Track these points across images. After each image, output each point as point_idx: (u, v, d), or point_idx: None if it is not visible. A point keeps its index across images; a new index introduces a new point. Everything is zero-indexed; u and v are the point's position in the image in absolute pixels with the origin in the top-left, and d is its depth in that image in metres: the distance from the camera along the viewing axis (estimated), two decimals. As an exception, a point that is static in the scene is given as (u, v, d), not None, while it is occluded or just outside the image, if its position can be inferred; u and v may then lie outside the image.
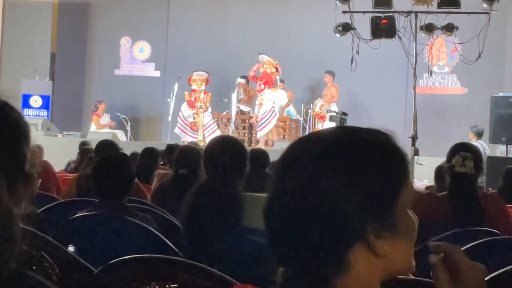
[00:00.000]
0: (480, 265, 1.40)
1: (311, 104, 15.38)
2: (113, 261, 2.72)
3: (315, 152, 1.34)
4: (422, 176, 10.92)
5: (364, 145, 1.35)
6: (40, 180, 5.90)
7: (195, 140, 14.04)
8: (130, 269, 2.71)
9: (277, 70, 15.17)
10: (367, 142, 1.36)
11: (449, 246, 1.40)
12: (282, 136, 15.29)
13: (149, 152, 7.42)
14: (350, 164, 1.32)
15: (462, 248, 1.44)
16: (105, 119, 16.23)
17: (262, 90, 15.11)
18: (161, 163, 7.79)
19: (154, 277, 2.65)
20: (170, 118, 15.64)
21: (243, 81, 15.75)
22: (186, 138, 14.90)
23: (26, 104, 16.32)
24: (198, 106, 15.33)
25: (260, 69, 15.27)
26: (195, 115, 15.41)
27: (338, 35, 12.21)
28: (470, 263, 1.39)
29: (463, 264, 1.38)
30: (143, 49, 17.82)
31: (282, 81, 15.60)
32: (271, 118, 14.91)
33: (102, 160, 4.14)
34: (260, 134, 15.03)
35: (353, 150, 1.34)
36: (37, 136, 12.55)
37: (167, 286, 2.60)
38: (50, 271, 2.68)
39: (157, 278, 2.63)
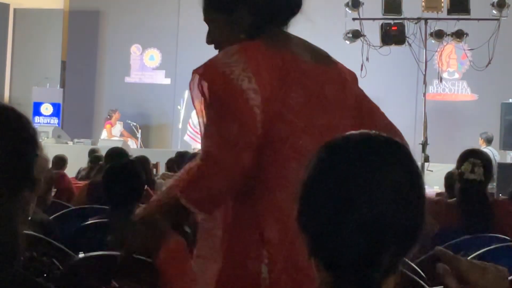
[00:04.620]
0: (488, 267, 1.39)
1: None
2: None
3: (374, 158, 1.34)
4: (433, 183, 10.89)
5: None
6: (55, 190, 5.92)
7: (205, 147, 14.02)
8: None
9: None
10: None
11: (444, 253, 1.39)
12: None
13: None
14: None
15: (473, 255, 1.43)
16: (118, 128, 16.26)
17: None
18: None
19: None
20: (180, 126, 15.63)
21: None
22: (196, 146, 14.88)
23: (37, 112, 16.37)
24: (208, 114, 15.30)
25: None
26: (205, 122, 15.39)
27: (348, 42, 12.21)
28: (469, 265, 1.38)
29: (461, 266, 1.37)
30: (153, 56, 17.84)
31: None
32: None
33: (112, 168, 4.14)
34: None
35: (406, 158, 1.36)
36: (48, 144, 12.58)
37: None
38: (61, 278, 2.69)
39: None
